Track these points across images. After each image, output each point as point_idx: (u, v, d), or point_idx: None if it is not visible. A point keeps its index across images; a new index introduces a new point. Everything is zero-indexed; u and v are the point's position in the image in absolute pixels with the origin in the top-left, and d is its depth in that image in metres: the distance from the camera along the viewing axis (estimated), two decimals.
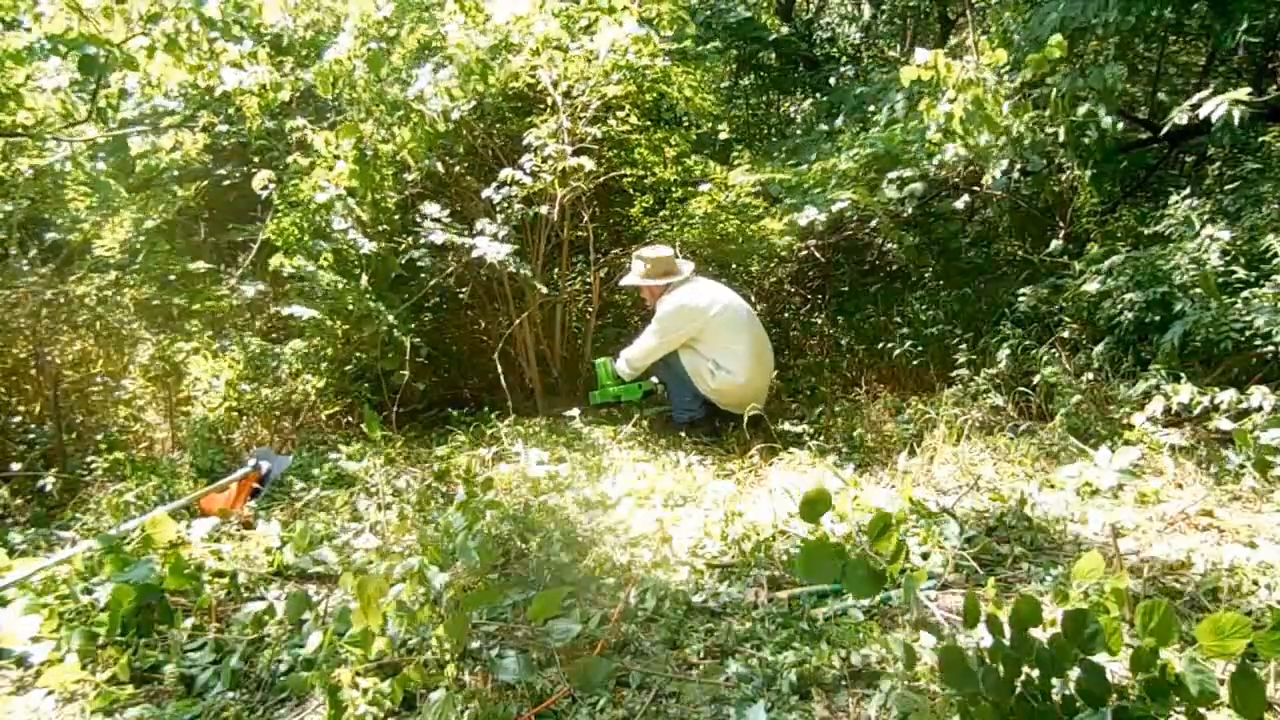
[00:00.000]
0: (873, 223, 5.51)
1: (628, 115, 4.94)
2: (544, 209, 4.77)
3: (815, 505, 1.86)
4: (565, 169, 4.54)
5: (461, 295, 5.50)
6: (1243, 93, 3.77)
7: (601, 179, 5.04)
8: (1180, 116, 4.01)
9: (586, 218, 5.16)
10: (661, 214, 5.36)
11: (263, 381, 4.52)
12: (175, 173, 4.99)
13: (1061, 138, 4.30)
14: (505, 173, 4.47)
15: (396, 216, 4.83)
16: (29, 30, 3.55)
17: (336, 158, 4.19)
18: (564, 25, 4.41)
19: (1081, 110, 4.26)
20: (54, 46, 3.29)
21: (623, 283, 4.68)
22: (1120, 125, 4.48)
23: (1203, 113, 3.82)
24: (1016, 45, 5.00)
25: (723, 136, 6.31)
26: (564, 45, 4.47)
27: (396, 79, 4.30)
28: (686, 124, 6.12)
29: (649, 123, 5.23)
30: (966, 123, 3.95)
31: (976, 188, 5.37)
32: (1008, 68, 4.32)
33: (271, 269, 4.57)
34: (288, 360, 4.52)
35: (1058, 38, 3.82)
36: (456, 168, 5.08)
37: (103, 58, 3.29)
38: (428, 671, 1.90)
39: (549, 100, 4.66)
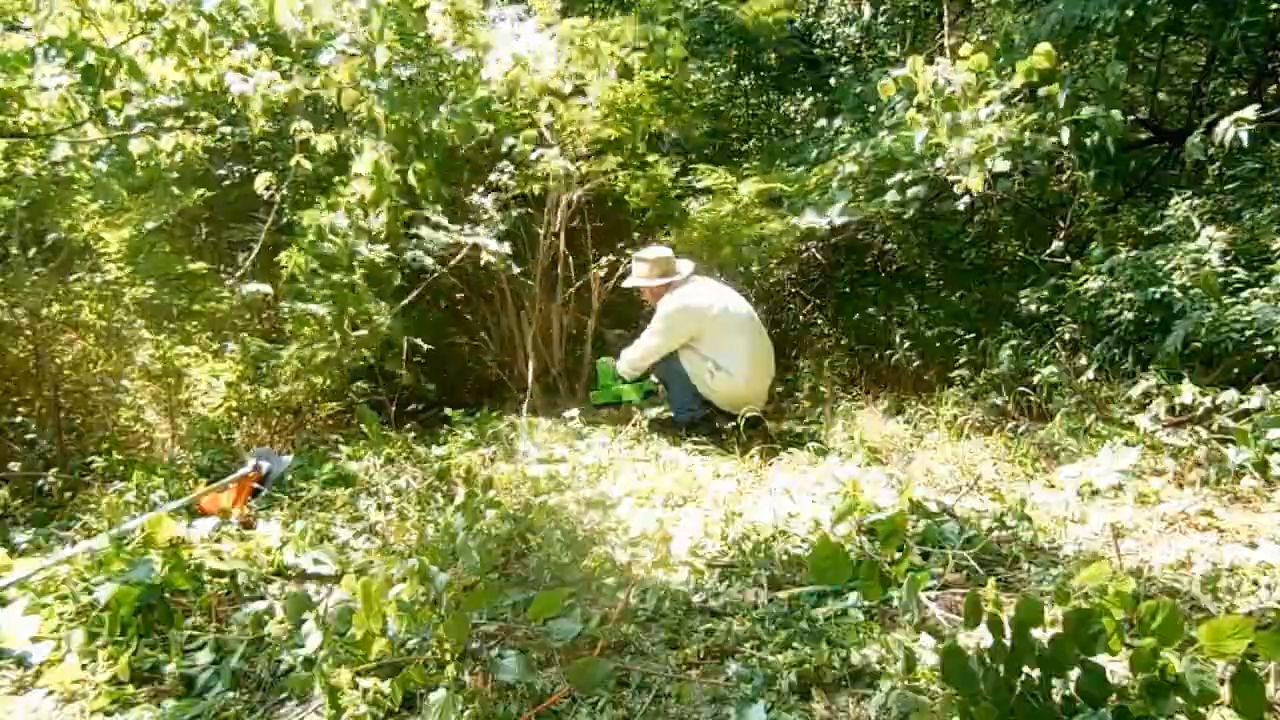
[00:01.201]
0: (876, 226, 5.52)
1: (624, 154, 5.12)
2: (547, 207, 4.86)
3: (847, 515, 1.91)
4: (554, 173, 4.68)
5: (460, 295, 5.54)
6: (1250, 110, 3.81)
7: (601, 182, 5.12)
8: (1196, 151, 4.06)
9: (586, 220, 5.22)
10: (664, 222, 5.43)
11: (263, 382, 4.52)
12: (176, 174, 4.99)
13: (1065, 139, 4.29)
14: (493, 177, 4.61)
15: (404, 226, 4.94)
16: (27, 30, 3.55)
17: (357, 175, 4.32)
18: (559, 74, 4.67)
19: (1086, 111, 4.25)
20: (57, 50, 3.29)
21: (624, 284, 4.68)
22: (1131, 117, 4.49)
23: (1216, 137, 3.86)
24: (1017, 47, 5.00)
25: (741, 147, 6.37)
26: (560, 91, 4.71)
27: (417, 111, 4.51)
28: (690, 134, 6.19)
29: (643, 158, 5.34)
30: (942, 128, 3.95)
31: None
32: (1008, 71, 4.32)
33: (284, 279, 4.66)
34: (288, 362, 4.53)
35: (1045, 48, 3.82)
36: (460, 190, 5.18)
37: (103, 64, 3.29)
38: (428, 671, 1.90)
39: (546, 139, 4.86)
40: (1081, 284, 4.37)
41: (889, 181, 5.00)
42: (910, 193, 4.92)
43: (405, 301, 4.78)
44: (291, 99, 4.02)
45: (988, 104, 4.08)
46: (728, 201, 5.20)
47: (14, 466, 3.85)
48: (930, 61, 4.07)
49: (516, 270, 4.85)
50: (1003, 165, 4.35)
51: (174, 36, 3.56)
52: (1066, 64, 4.26)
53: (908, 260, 6.11)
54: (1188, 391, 3.35)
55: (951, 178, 4.22)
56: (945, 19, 4.81)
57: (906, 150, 4.88)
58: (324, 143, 4.27)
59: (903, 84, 3.83)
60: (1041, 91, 4.19)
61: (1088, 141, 4.39)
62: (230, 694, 1.99)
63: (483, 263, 4.82)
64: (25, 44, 3.45)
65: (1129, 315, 4.04)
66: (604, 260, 5.32)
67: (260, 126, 4.20)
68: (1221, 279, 3.92)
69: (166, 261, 4.91)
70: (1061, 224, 5.21)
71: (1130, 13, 4.62)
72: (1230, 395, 3.24)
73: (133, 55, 3.49)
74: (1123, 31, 4.92)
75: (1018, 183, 5.29)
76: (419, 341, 4.71)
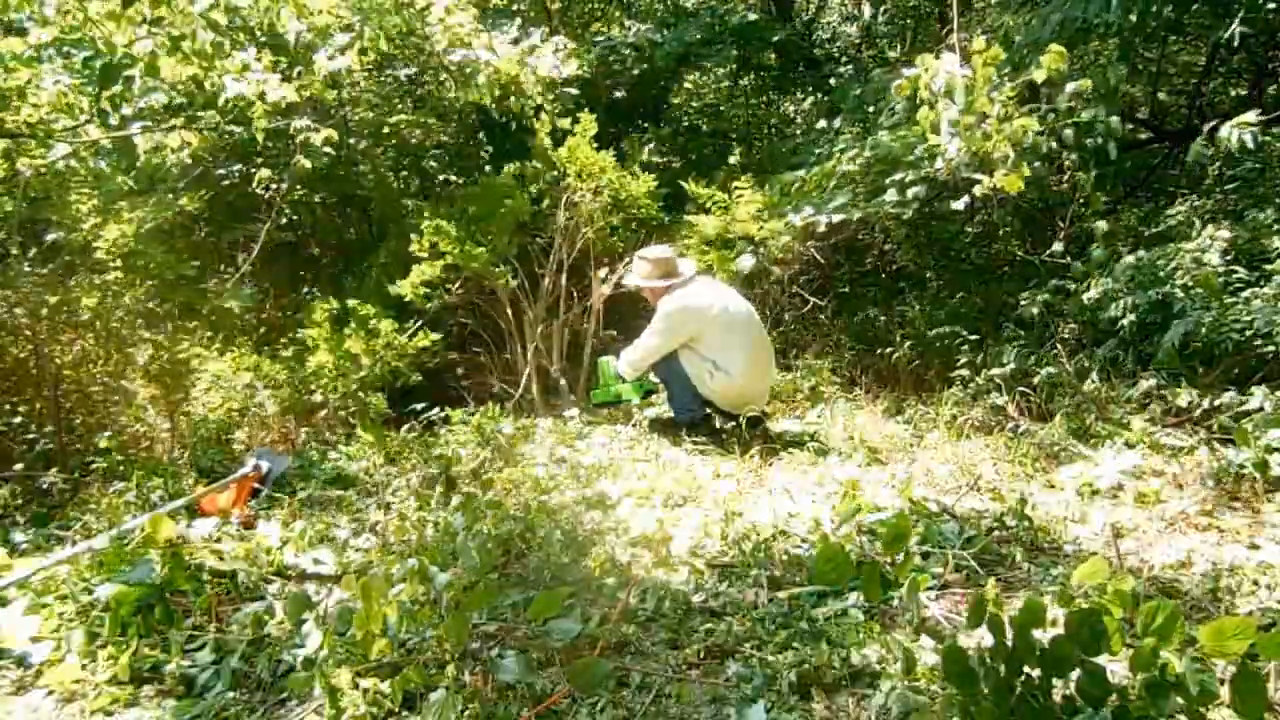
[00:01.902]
0: (876, 226, 5.54)
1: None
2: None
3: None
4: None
5: (466, 314, 5.69)
6: (1252, 114, 3.83)
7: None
8: (1201, 156, 4.09)
9: (588, 229, 5.34)
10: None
11: (266, 383, 4.54)
12: (176, 172, 5.01)
13: (1067, 140, 4.29)
14: None
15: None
16: (26, 30, 3.55)
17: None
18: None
19: (1086, 114, 4.25)
20: (63, 51, 3.30)
21: (624, 282, 4.68)
22: (1128, 126, 4.51)
23: (1219, 142, 3.89)
24: (1017, 48, 4.99)
25: (732, 160, 6.47)
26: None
27: None
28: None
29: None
30: (961, 124, 3.94)
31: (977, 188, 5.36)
32: (1008, 71, 4.31)
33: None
34: (296, 370, 4.56)
35: (1057, 48, 3.82)
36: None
37: (119, 63, 3.30)
38: (428, 672, 1.90)
39: None
40: (1085, 286, 4.37)
41: (888, 181, 5.00)
42: (910, 193, 4.92)
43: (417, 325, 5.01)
44: (300, 95, 4.04)
45: (1004, 102, 4.07)
46: (727, 216, 5.30)
47: (15, 467, 3.85)
48: (937, 57, 4.07)
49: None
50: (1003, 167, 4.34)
51: (179, 42, 3.56)
52: (1066, 65, 4.24)
53: (908, 260, 6.11)
54: (1187, 392, 3.35)
55: (975, 175, 4.20)
56: (955, 17, 4.80)
57: (907, 150, 4.88)
58: (323, 140, 4.28)
59: (915, 83, 3.82)
60: (1070, 86, 4.17)
61: (1089, 143, 4.39)
62: (230, 694, 1.99)
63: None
64: (27, 44, 3.45)
65: (1130, 317, 4.04)
66: (604, 272, 5.44)
67: (261, 127, 4.20)
68: (1222, 279, 3.92)
69: (165, 263, 4.92)
70: (1061, 224, 5.21)
71: (1133, 18, 4.62)
72: (1230, 396, 3.24)
73: (139, 55, 3.49)
74: (1123, 32, 4.92)
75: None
76: (433, 334, 4.93)
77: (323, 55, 4.10)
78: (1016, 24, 5.43)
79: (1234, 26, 4.43)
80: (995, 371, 4.24)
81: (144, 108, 4.39)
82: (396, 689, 1.84)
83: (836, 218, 4.97)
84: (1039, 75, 3.91)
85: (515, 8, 5.81)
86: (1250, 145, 3.85)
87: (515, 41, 4.94)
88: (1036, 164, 4.56)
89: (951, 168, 4.27)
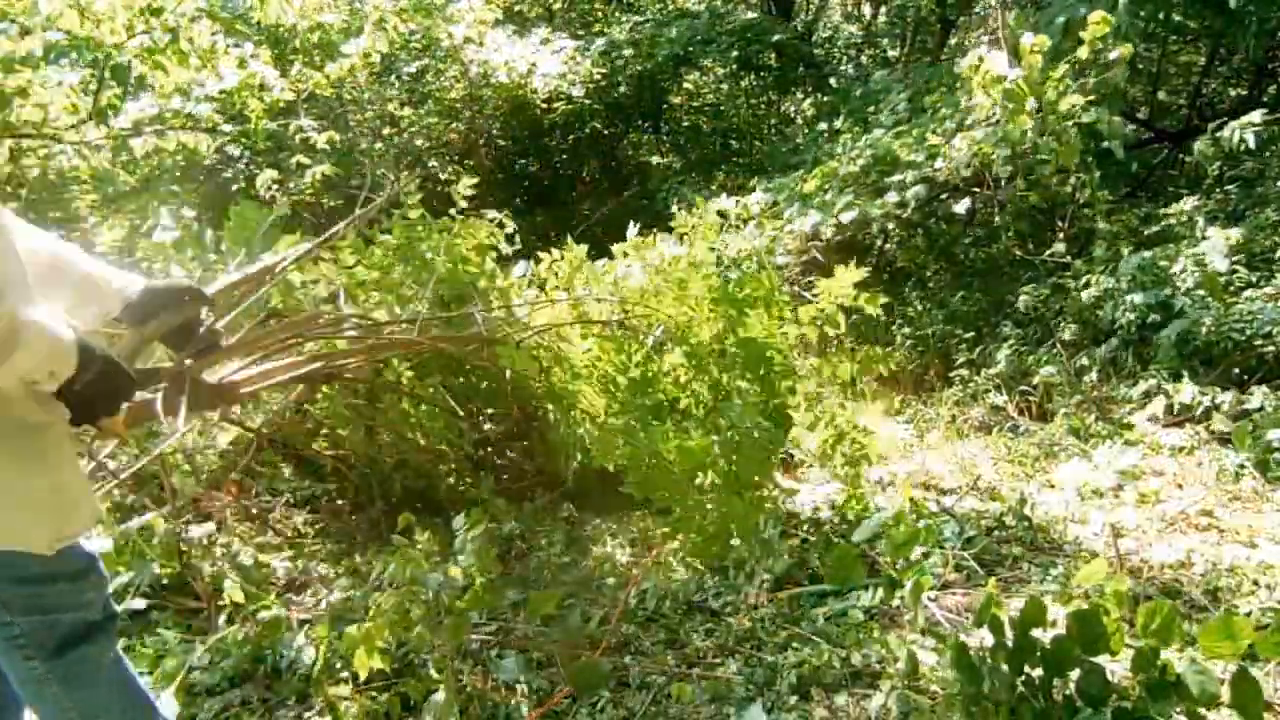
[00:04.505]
0: (875, 226, 5.53)
1: None
2: None
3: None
4: None
5: None
6: (1257, 115, 3.85)
7: None
8: (1207, 157, 4.10)
9: None
10: None
11: None
12: (177, 173, 5.00)
13: (1072, 139, 4.28)
14: None
15: None
16: (30, 32, 3.55)
17: None
18: None
19: (1090, 115, 4.25)
20: (64, 53, 3.30)
21: None
22: (1129, 127, 4.50)
23: (1223, 142, 3.90)
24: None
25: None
26: None
27: None
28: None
29: None
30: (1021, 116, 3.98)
31: (976, 189, 5.37)
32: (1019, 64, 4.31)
33: None
34: None
35: (1101, 13, 3.82)
36: None
37: (113, 61, 3.30)
38: (427, 673, 1.89)
39: None
40: (1084, 285, 4.37)
41: (889, 182, 5.00)
42: (909, 193, 4.92)
43: None
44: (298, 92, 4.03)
45: (1057, 85, 4.08)
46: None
47: None
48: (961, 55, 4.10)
49: None
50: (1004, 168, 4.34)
51: (177, 34, 3.56)
52: (1067, 66, 4.23)
53: (908, 260, 6.11)
54: (1188, 391, 3.35)
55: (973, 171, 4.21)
56: (1000, 14, 4.79)
57: (908, 150, 4.88)
58: (324, 140, 4.28)
59: (973, 73, 3.87)
60: (1114, 54, 4.18)
61: (1093, 144, 4.39)
62: (230, 694, 1.99)
63: None
64: (32, 46, 3.45)
65: (1131, 316, 4.04)
66: None
67: (260, 130, 4.20)
68: (1224, 279, 3.92)
69: (165, 263, 4.90)
70: (1062, 224, 5.21)
71: (1141, 22, 4.62)
72: (1230, 395, 3.24)
73: (133, 52, 3.49)
74: (1131, 38, 4.91)
75: (1019, 186, 5.29)
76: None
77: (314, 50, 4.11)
78: (1020, 25, 5.43)
79: (1250, 40, 4.44)
80: (993, 371, 4.24)
81: (144, 115, 4.40)
82: (395, 704, 1.82)
83: (845, 217, 4.97)
84: (1083, 52, 3.93)
85: (517, 8, 5.82)
86: (1253, 145, 3.86)
87: (545, 42, 4.91)
88: (1043, 158, 4.57)
89: (952, 168, 4.27)
